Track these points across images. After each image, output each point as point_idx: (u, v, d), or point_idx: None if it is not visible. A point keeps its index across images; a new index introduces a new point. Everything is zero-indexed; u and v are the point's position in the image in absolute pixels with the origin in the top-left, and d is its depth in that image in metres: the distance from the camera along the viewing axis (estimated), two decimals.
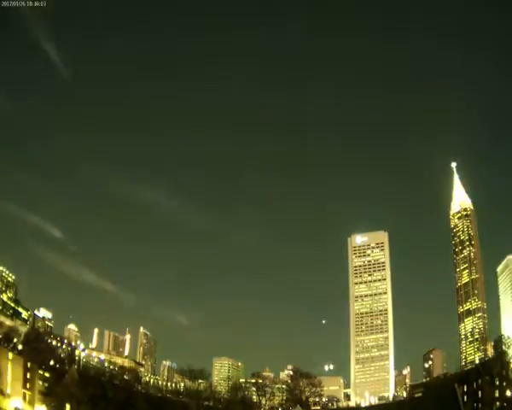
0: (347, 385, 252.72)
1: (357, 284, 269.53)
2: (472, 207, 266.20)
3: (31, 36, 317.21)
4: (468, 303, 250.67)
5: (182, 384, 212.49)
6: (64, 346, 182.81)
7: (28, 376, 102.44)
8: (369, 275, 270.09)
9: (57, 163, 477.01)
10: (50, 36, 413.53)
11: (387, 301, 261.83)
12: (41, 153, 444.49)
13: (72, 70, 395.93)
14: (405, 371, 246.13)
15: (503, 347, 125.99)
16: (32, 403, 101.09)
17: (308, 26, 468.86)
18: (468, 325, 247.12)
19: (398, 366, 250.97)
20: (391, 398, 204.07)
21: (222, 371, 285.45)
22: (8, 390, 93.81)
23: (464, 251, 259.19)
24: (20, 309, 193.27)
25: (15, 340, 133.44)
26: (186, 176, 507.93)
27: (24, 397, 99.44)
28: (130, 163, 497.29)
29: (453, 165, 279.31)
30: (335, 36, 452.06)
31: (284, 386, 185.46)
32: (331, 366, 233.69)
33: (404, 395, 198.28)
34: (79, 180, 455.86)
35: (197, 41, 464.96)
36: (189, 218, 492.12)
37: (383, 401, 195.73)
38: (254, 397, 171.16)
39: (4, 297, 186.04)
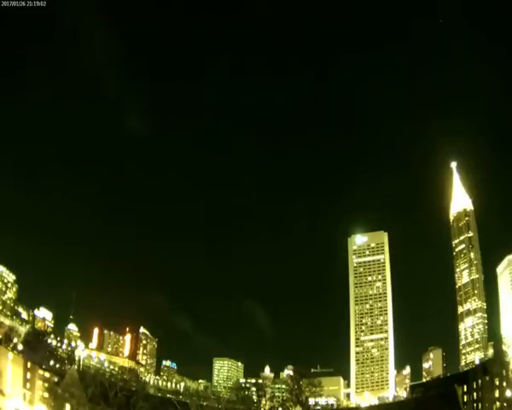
0: (347, 385, 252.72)
1: (357, 284, 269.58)
2: (472, 207, 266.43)
3: None
4: (468, 303, 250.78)
5: (182, 384, 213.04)
6: (64, 346, 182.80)
7: (28, 376, 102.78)
8: (369, 275, 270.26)
9: None
10: None
11: (387, 301, 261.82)
12: None
13: None
14: (405, 372, 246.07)
15: (503, 347, 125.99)
16: (31, 403, 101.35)
17: None
18: (468, 325, 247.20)
19: (398, 366, 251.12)
20: (391, 398, 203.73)
21: (222, 371, 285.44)
22: (9, 390, 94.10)
23: (464, 251, 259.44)
24: (20, 309, 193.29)
25: (15, 340, 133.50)
26: None
27: (24, 397, 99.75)
28: None
29: (453, 165, 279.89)
30: None
31: (284, 386, 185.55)
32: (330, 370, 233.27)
33: (404, 395, 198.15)
34: None
35: None
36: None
37: (383, 401, 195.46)
38: (254, 397, 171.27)
39: (4, 297, 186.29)
